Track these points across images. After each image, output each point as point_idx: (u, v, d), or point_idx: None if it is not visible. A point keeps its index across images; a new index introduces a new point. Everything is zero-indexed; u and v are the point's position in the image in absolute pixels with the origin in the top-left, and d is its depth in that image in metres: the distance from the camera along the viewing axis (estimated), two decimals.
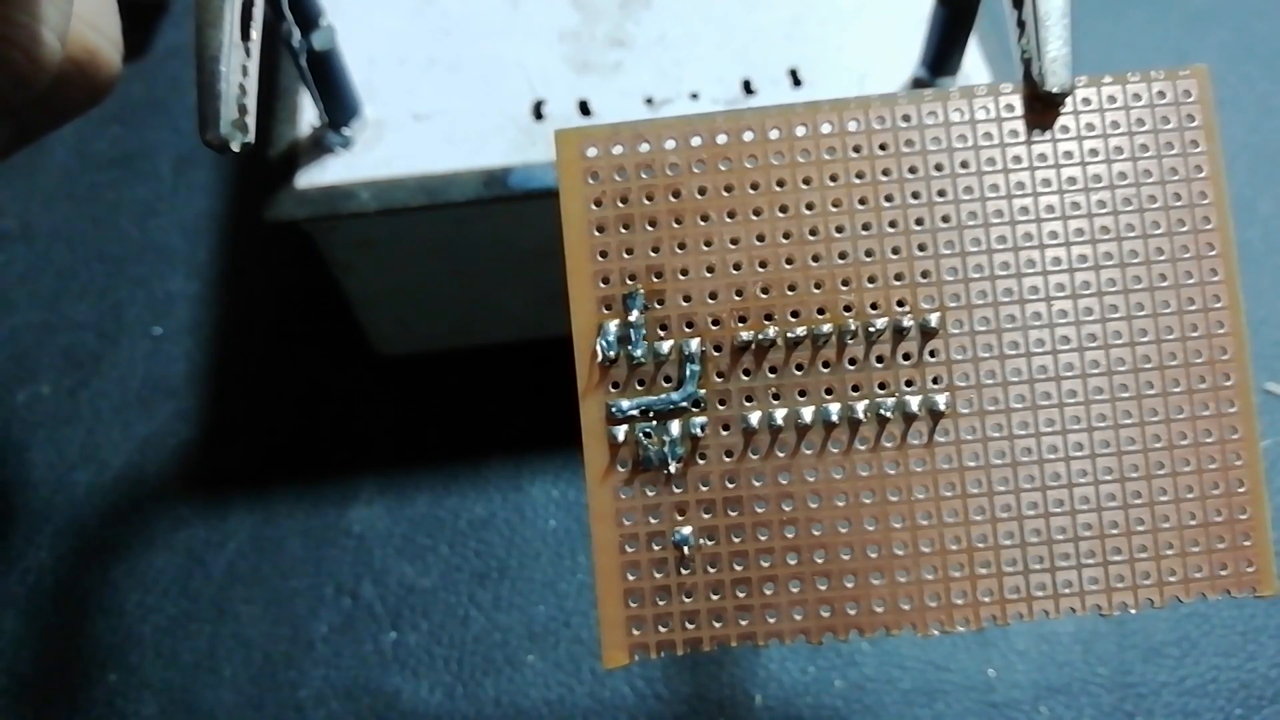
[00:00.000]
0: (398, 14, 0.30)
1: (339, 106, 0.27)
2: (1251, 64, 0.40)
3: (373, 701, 0.28)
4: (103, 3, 0.18)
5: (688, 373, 0.18)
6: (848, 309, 0.18)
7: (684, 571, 0.18)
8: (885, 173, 0.18)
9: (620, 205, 0.18)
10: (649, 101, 0.28)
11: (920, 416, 0.18)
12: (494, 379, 0.34)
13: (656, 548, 0.18)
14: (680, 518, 0.18)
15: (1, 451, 0.33)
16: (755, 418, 0.18)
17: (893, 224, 0.18)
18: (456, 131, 0.28)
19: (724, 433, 0.18)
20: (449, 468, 0.32)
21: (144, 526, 0.32)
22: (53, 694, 0.29)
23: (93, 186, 0.38)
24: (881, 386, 0.18)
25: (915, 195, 0.18)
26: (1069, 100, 0.18)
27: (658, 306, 0.18)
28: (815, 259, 0.18)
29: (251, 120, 0.18)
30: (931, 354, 0.18)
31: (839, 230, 0.18)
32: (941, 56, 0.27)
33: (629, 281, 0.18)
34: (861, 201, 0.18)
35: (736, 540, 0.18)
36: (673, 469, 0.18)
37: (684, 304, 0.18)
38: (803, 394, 0.18)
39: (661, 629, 0.18)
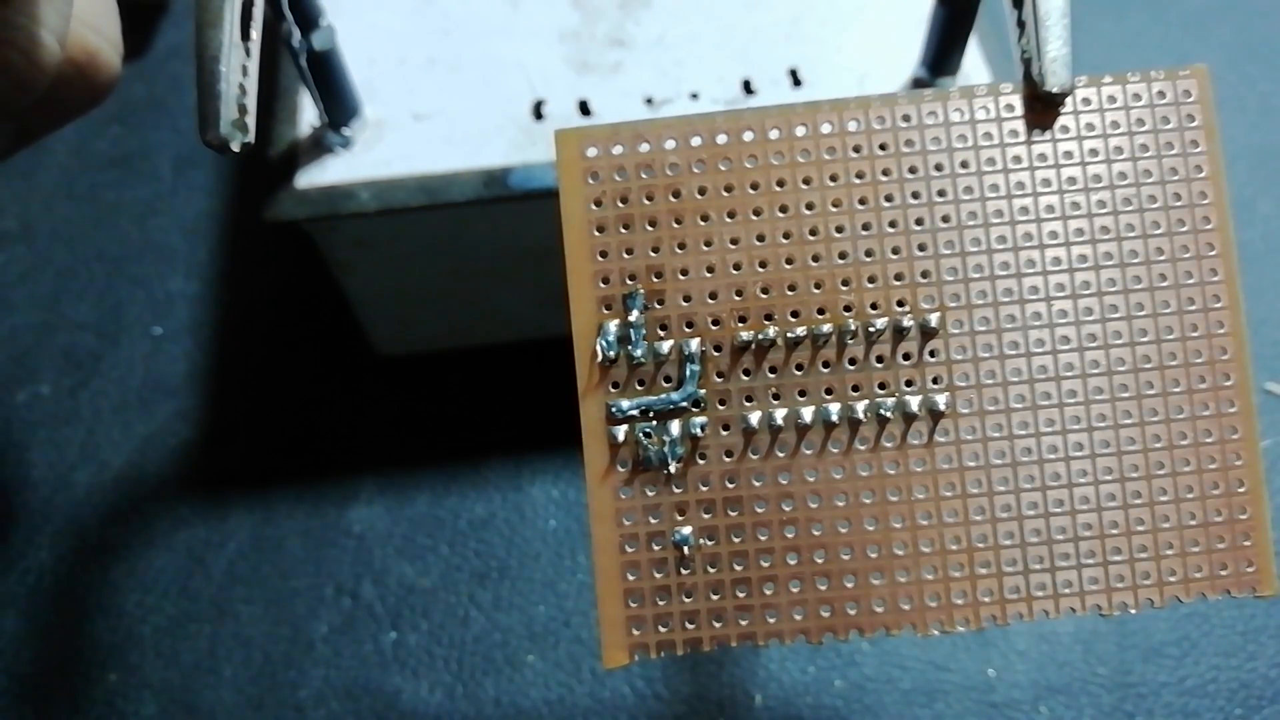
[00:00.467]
0: (398, 14, 0.30)
1: (339, 106, 0.27)
2: (1252, 64, 0.40)
3: (373, 701, 0.28)
4: (103, 4, 0.17)
5: (688, 373, 0.18)
6: (848, 309, 0.18)
7: (684, 571, 0.18)
8: (885, 173, 0.18)
9: (620, 205, 0.18)
10: (649, 101, 0.28)
11: (920, 416, 0.18)
12: (494, 379, 0.34)
13: (656, 548, 0.18)
14: (680, 518, 0.18)
15: (1, 451, 0.33)
16: (755, 418, 0.18)
17: (893, 224, 0.18)
18: (456, 131, 0.28)
19: (724, 433, 0.18)
20: (449, 468, 0.32)
21: (144, 526, 0.32)
22: (53, 694, 0.29)
23: (93, 186, 0.38)
24: (881, 386, 0.18)
25: (915, 195, 0.18)
26: (1069, 100, 0.18)
27: (658, 306, 0.18)
28: (815, 259, 0.18)
29: (251, 120, 0.18)
30: (931, 354, 0.18)
31: (839, 230, 0.18)
32: (941, 56, 0.27)
33: (629, 281, 0.18)
34: (861, 201, 0.18)
35: (736, 540, 0.18)
36: (673, 469, 0.18)
37: (684, 304, 0.18)
38: (803, 394, 0.18)
39: (661, 629, 0.18)
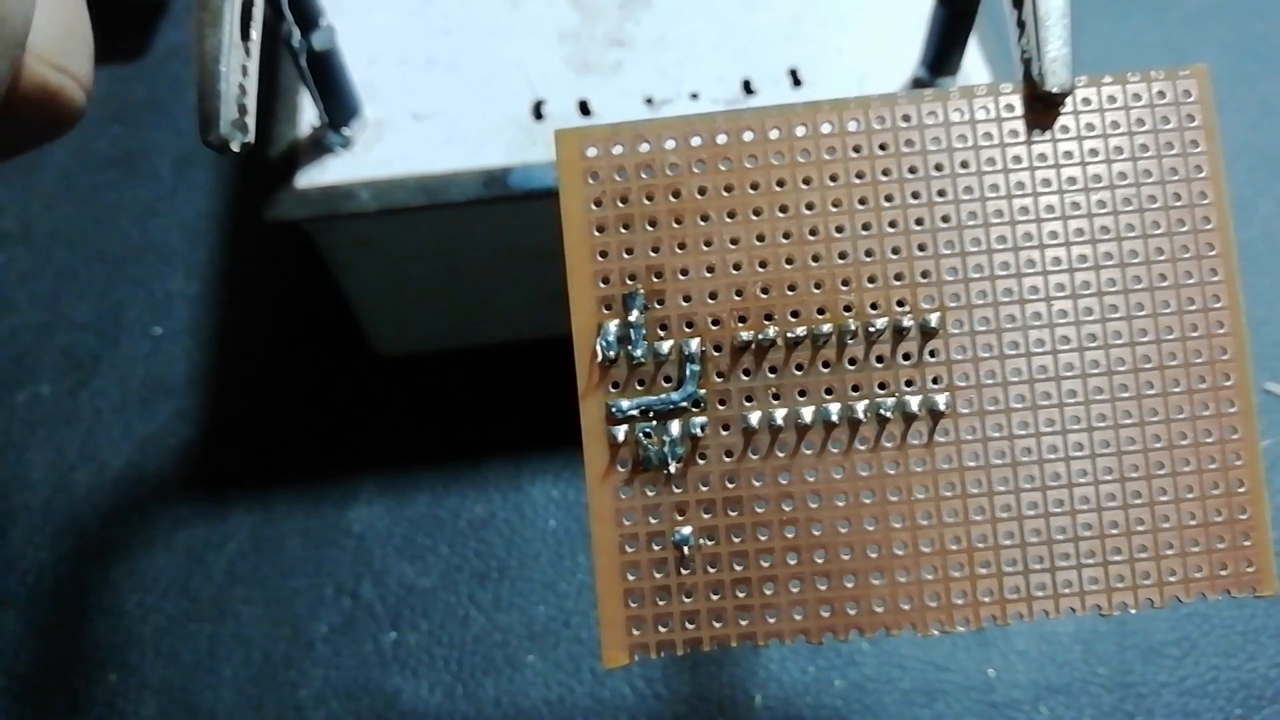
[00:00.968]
0: (398, 14, 0.30)
1: (339, 106, 0.27)
2: (1252, 64, 0.40)
3: (373, 701, 0.28)
4: (70, 38, 0.17)
5: (688, 373, 0.18)
6: (848, 309, 0.18)
7: (684, 571, 0.18)
8: (885, 173, 0.18)
9: (620, 205, 0.18)
10: (649, 101, 0.28)
11: (920, 416, 0.18)
12: (494, 379, 0.34)
13: (656, 548, 0.18)
14: (680, 518, 0.18)
15: (1, 451, 0.33)
16: (755, 418, 0.18)
17: (893, 224, 0.18)
18: (456, 131, 0.28)
19: (724, 433, 0.18)
20: (449, 468, 0.32)
21: (144, 526, 0.32)
22: (53, 694, 0.29)
23: (93, 186, 0.38)
24: (881, 386, 0.18)
25: (915, 195, 0.18)
26: (1069, 100, 0.18)
27: (658, 306, 0.18)
28: (815, 259, 0.18)
29: (251, 120, 0.18)
30: (931, 354, 0.18)
31: (839, 230, 0.18)
32: (941, 56, 0.27)
33: (629, 281, 0.18)
34: (861, 201, 0.18)
35: (736, 540, 0.18)
36: (673, 469, 0.18)
37: (684, 304, 0.18)
38: (803, 394, 0.18)
39: (661, 629, 0.18)
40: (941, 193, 0.18)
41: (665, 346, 0.18)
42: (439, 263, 0.30)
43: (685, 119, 0.18)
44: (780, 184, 0.18)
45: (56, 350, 0.35)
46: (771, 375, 0.18)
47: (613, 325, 0.18)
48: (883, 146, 0.18)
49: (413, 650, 0.29)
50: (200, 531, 0.31)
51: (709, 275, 0.18)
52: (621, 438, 0.18)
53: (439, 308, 0.32)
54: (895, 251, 0.18)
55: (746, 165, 0.18)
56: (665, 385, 0.18)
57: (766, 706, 0.28)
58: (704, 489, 0.18)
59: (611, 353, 0.18)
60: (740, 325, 0.18)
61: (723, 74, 0.29)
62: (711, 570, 0.18)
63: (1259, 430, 0.18)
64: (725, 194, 0.18)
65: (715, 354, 0.18)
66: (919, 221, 0.18)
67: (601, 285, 0.18)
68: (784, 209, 0.18)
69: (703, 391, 0.18)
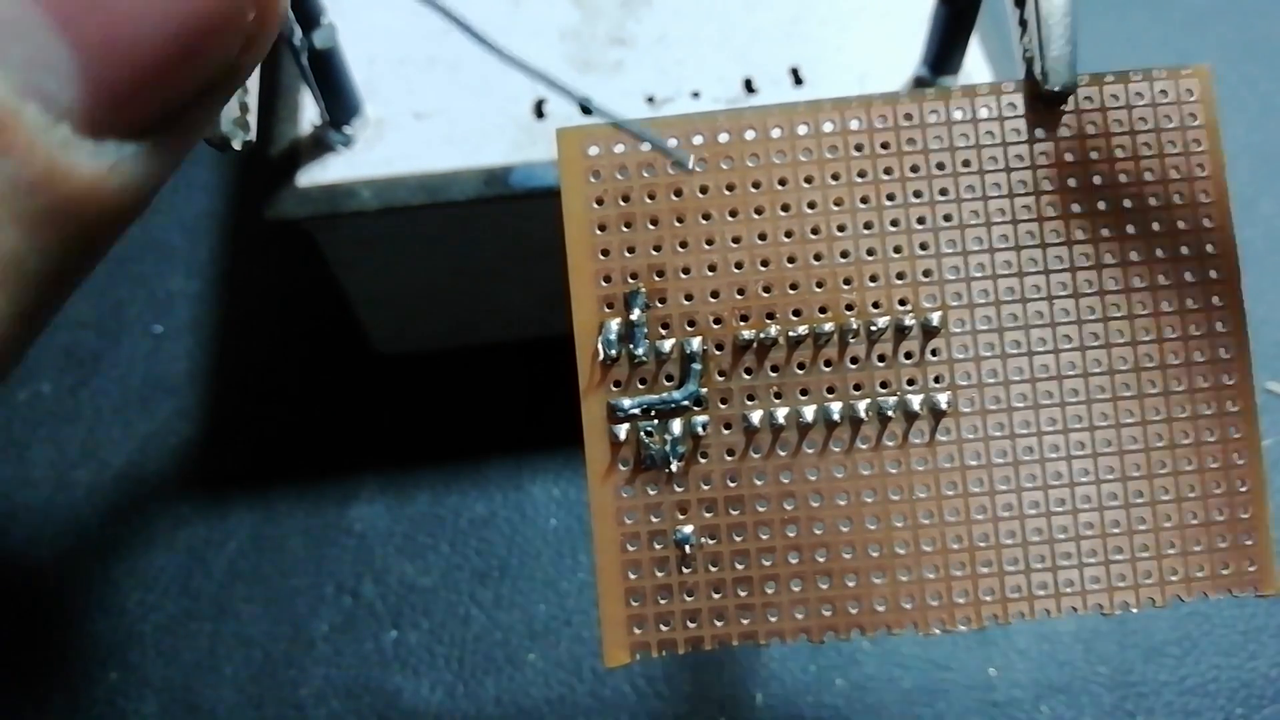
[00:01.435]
0: (399, 12, 0.30)
1: (340, 105, 0.27)
2: (1253, 63, 0.40)
3: (373, 700, 0.28)
4: None
5: (689, 371, 0.18)
6: (850, 308, 0.18)
7: (685, 570, 0.18)
8: (887, 171, 0.18)
9: (622, 204, 0.18)
10: (650, 100, 0.28)
11: (922, 415, 0.18)
12: (494, 378, 0.34)
13: (658, 546, 0.18)
14: (682, 516, 0.18)
15: (2, 450, 0.33)
16: (757, 416, 0.18)
17: (894, 223, 0.18)
18: (457, 130, 0.28)
19: (726, 431, 0.18)
20: (450, 466, 0.32)
21: (144, 525, 0.32)
22: (53, 692, 0.29)
23: None
24: (883, 385, 0.18)
25: (917, 194, 0.18)
26: (1071, 99, 0.18)
27: (659, 305, 0.18)
28: (817, 258, 0.18)
29: (253, 118, 0.18)
30: (933, 353, 0.18)
31: (841, 229, 0.18)
32: (943, 55, 0.27)
33: (630, 280, 0.18)
34: (863, 200, 0.18)
35: (738, 539, 0.18)
36: (674, 468, 0.18)
37: (686, 302, 0.18)
38: (804, 393, 0.18)
39: (663, 628, 0.18)
40: (944, 191, 0.18)
41: (667, 345, 0.18)
42: (440, 261, 0.30)
43: (687, 117, 0.18)
44: (782, 182, 0.18)
45: (57, 349, 0.35)
46: (773, 374, 0.18)
47: (614, 324, 0.18)
48: (885, 145, 0.18)
49: (413, 649, 0.29)
50: (201, 530, 0.31)
51: (711, 274, 0.18)
52: (623, 436, 0.18)
53: (440, 307, 0.32)
54: (897, 250, 0.18)
55: (748, 164, 0.18)
56: (667, 384, 0.18)
57: (767, 705, 0.28)
58: (706, 488, 0.18)
59: (613, 351, 0.18)
60: (742, 324, 0.18)
61: (724, 73, 0.29)
62: (713, 569, 0.18)
63: (1261, 430, 0.18)
64: (727, 192, 0.18)
65: (717, 352, 0.18)
66: (921, 220, 0.18)
67: (603, 284, 0.18)
68: (786, 207, 0.18)
69: (704, 390, 0.18)
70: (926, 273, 0.18)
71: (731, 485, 0.18)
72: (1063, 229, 0.18)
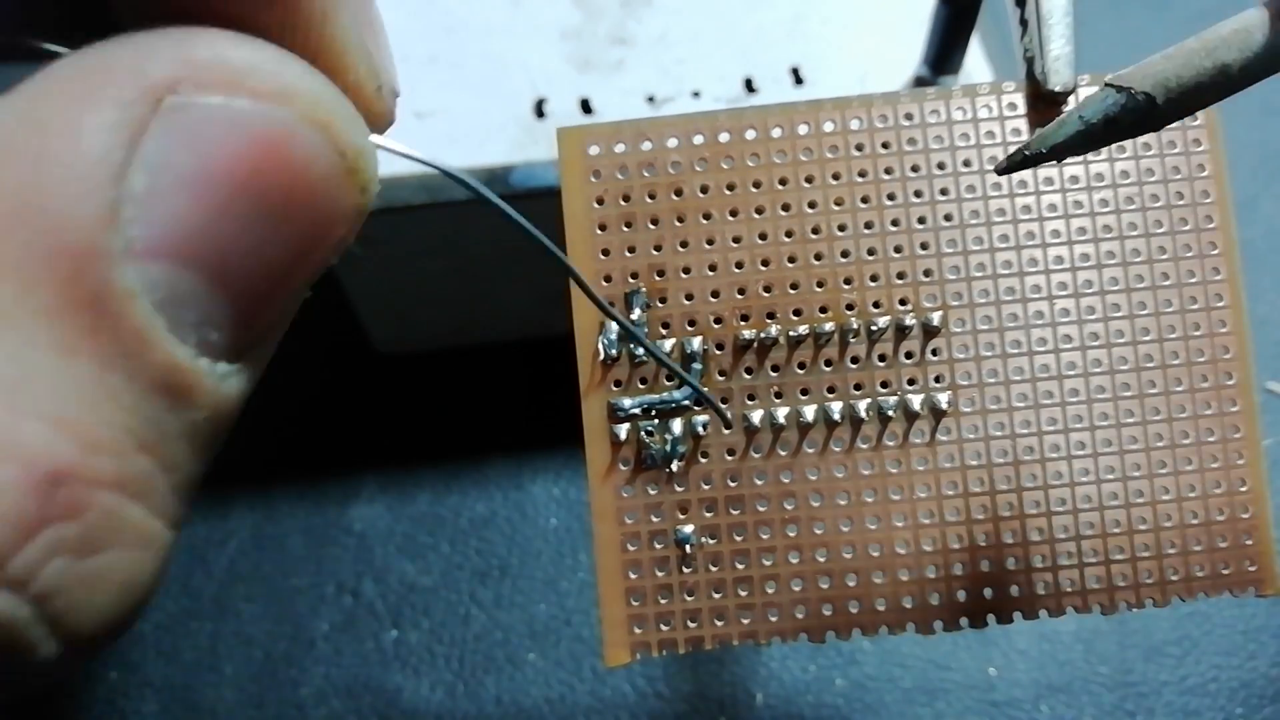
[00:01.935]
0: (399, 11, 0.30)
1: None
2: None
3: (374, 699, 0.28)
4: None
5: (690, 371, 0.18)
6: (850, 307, 0.18)
7: (686, 570, 0.18)
8: (888, 171, 0.18)
9: (622, 203, 0.18)
10: (651, 100, 0.28)
11: (923, 415, 0.18)
12: (494, 378, 0.34)
13: (658, 546, 0.18)
14: (682, 516, 0.18)
15: None
16: (757, 416, 0.18)
17: (895, 222, 0.18)
18: (458, 129, 0.28)
19: (726, 431, 0.18)
20: (450, 466, 0.32)
21: None
22: (53, 692, 0.29)
23: None
24: (884, 385, 0.18)
25: (918, 194, 0.18)
26: (1071, 99, 0.18)
27: (660, 305, 0.18)
28: (818, 257, 0.18)
29: None
30: (934, 352, 0.18)
31: (841, 229, 0.18)
32: (943, 55, 0.27)
33: (631, 280, 0.18)
34: (864, 200, 0.18)
35: (738, 539, 0.18)
36: (675, 467, 0.18)
37: (686, 302, 0.18)
38: (805, 392, 0.18)
39: (663, 627, 0.18)
40: (944, 191, 0.18)
41: (668, 344, 0.18)
42: (440, 261, 0.30)
43: (688, 117, 0.18)
44: (783, 182, 0.18)
45: None
46: (774, 374, 0.18)
47: (615, 323, 0.18)
48: (885, 145, 0.18)
49: (414, 648, 0.29)
50: (201, 529, 0.31)
51: (711, 273, 0.18)
52: (624, 436, 0.18)
53: (440, 306, 0.32)
54: (898, 250, 0.18)
55: (749, 163, 0.18)
56: (668, 383, 0.18)
57: (768, 705, 0.28)
58: (706, 487, 0.18)
59: (614, 351, 0.18)
60: (743, 324, 0.18)
61: (724, 72, 0.29)
62: (713, 569, 0.18)
63: (1261, 429, 0.18)
64: (728, 192, 0.18)
65: (718, 352, 0.18)
66: (921, 220, 0.18)
67: (604, 283, 0.18)
68: (786, 207, 0.18)
69: (706, 390, 0.18)
70: (927, 272, 0.18)
71: (732, 485, 0.18)
72: (1063, 229, 0.18)
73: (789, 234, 0.18)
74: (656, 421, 0.18)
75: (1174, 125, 0.18)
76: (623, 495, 0.18)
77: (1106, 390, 0.18)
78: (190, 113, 0.10)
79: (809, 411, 0.18)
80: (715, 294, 0.18)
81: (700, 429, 0.18)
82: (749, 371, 0.18)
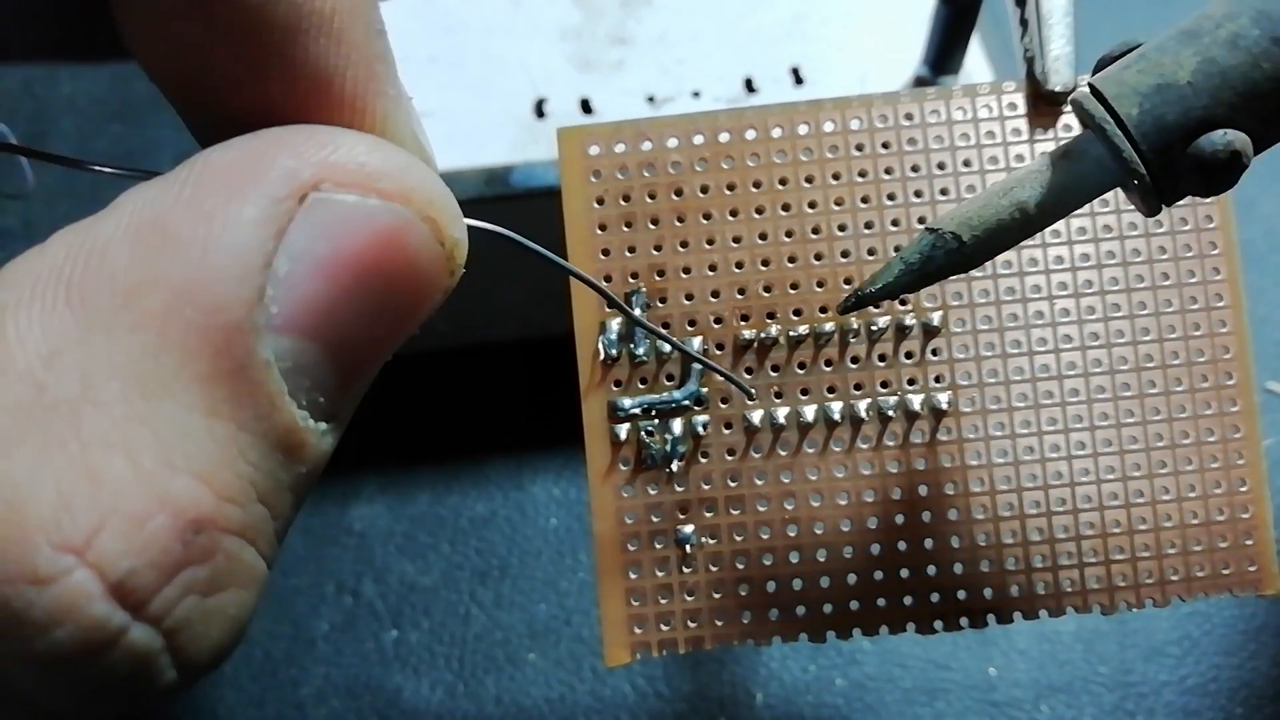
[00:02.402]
0: (399, 11, 0.30)
1: None
2: None
3: (374, 699, 0.28)
4: None
5: (690, 371, 0.18)
6: None
7: (686, 570, 0.18)
8: (888, 171, 0.18)
9: (622, 203, 0.18)
10: (651, 100, 0.28)
11: (923, 415, 0.18)
12: (495, 378, 0.33)
13: (659, 546, 0.18)
14: (682, 516, 0.18)
15: None
16: (757, 416, 0.18)
17: (895, 223, 0.18)
18: (458, 129, 0.28)
19: (726, 431, 0.18)
20: (450, 466, 0.32)
21: None
22: None
23: (94, 184, 0.38)
24: (884, 385, 0.18)
25: (918, 194, 0.18)
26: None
27: (660, 305, 0.18)
28: (818, 257, 0.18)
29: None
30: (934, 353, 0.18)
31: (842, 229, 0.18)
32: (944, 55, 0.27)
33: (631, 280, 0.18)
34: (864, 200, 0.18)
35: (739, 539, 0.18)
36: (675, 467, 0.18)
37: (686, 302, 0.18)
38: (805, 392, 0.18)
39: (663, 627, 0.18)
40: (944, 191, 0.18)
41: (667, 345, 0.18)
42: None
43: (688, 117, 0.18)
44: (783, 182, 0.18)
45: None
46: (774, 374, 0.18)
47: (615, 323, 0.18)
48: (885, 145, 0.18)
49: (414, 648, 0.29)
50: None
51: (711, 274, 0.18)
52: (624, 436, 0.18)
53: (439, 306, 0.32)
54: (898, 250, 0.18)
55: (749, 163, 0.18)
56: (668, 383, 0.18)
57: (768, 705, 0.28)
58: (706, 487, 0.18)
59: (614, 351, 0.18)
60: (743, 324, 0.18)
61: (725, 72, 0.29)
62: (714, 569, 0.18)
63: (1261, 429, 0.18)
64: (728, 192, 0.18)
65: (718, 352, 0.18)
66: (922, 220, 0.18)
67: (604, 283, 0.18)
68: (787, 207, 0.18)
69: (705, 390, 0.18)
70: None
71: (732, 485, 0.18)
72: (1063, 228, 0.18)
73: (789, 234, 0.18)
74: (656, 421, 0.18)
75: None
76: (623, 495, 0.18)
77: (1106, 390, 0.18)
78: (329, 208, 0.12)
79: (809, 411, 0.18)
80: (715, 294, 0.18)
81: (700, 429, 0.18)
82: (749, 371, 0.18)
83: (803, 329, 0.18)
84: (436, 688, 0.29)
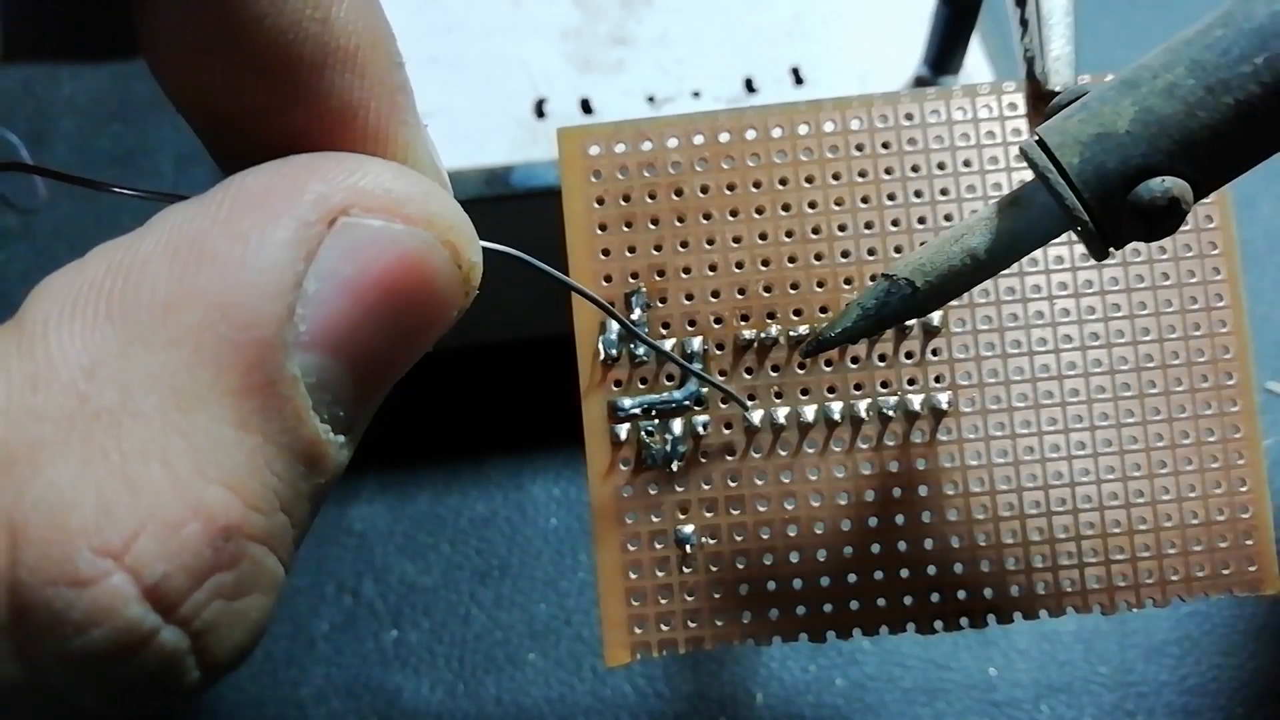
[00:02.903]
0: (399, 11, 0.30)
1: None
2: None
3: (374, 699, 0.28)
4: None
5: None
6: None
7: (686, 570, 0.18)
8: (888, 171, 0.18)
9: (623, 204, 0.18)
10: (651, 100, 0.28)
11: (923, 415, 0.18)
12: (495, 378, 0.33)
13: (659, 546, 0.18)
14: (682, 516, 0.18)
15: None
16: (758, 416, 0.18)
17: (895, 223, 0.18)
18: (458, 130, 0.28)
19: (726, 431, 0.18)
20: (450, 466, 0.32)
21: None
22: None
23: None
24: (884, 385, 0.18)
25: (918, 194, 0.18)
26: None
27: (660, 305, 0.18)
28: (818, 257, 0.18)
29: None
30: (934, 352, 0.18)
31: (842, 229, 0.18)
32: (944, 55, 0.27)
33: (631, 280, 0.18)
34: (864, 200, 0.18)
35: (739, 539, 0.18)
36: (675, 467, 0.18)
37: (686, 302, 0.18)
38: (805, 392, 0.18)
39: (663, 627, 0.18)
40: (944, 191, 0.18)
41: (668, 345, 0.18)
42: None
43: (688, 117, 0.18)
44: (783, 182, 0.18)
45: None
46: (774, 374, 0.18)
47: (615, 323, 0.18)
48: (885, 145, 0.18)
49: (414, 648, 0.29)
50: None
51: (711, 274, 0.18)
52: (624, 436, 0.18)
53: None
54: (898, 250, 0.18)
55: (749, 163, 0.18)
56: (668, 383, 0.18)
57: (768, 705, 0.28)
58: (706, 487, 0.18)
59: (614, 351, 0.18)
60: (743, 324, 0.18)
61: (725, 72, 0.29)
62: (714, 569, 0.18)
63: (1261, 429, 0.18)
64: (728, 192, 0.18)
65: (718, 352, 0.18)
66: (922, 220, 0.18)
67: (604, 284, 0.18)
68: (787, 207, 0.18)
69: (705, 390, 0.18)
70: None
71: (732, 485, 0.18)
72: None
73: (789, 234, 0.18)
74: (657, 421, 0.18)
75: None
76: (623, 495, 0.18)
77: (1107, 390, 0.18)
78: (356, 232, 0.12)
79: (809, 411, 0.18)
80: (715, 294, 0.18)
81: (700, 429, 0.18)
82: (749, 371, 0.18)
83: (803, 329, 0.18)
84: (436, 688, 0.29)
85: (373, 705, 0.28)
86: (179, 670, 0.12)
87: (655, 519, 0.18)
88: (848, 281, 0.18)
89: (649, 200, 0.18)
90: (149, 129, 0.40)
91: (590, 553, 0.30)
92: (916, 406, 0.18)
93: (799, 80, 0.29)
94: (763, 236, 0.18)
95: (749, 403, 0.18)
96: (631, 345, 0.18)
